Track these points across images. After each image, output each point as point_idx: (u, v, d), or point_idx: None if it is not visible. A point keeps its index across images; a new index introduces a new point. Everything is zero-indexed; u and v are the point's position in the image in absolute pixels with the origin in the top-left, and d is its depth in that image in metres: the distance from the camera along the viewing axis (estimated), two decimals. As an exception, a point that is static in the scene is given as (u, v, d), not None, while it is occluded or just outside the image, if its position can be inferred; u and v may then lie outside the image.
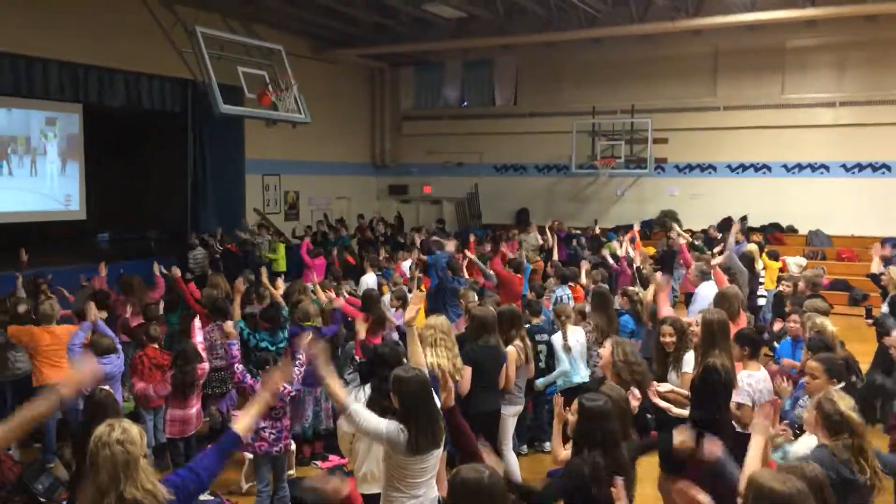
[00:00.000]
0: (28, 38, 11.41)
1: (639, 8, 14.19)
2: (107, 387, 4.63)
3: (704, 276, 7.99)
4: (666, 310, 6.16)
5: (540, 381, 6.68)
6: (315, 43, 17.13)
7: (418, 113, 20.25)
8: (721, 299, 6.44)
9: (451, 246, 11.01)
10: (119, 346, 5.95)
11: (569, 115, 17.46)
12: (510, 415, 6.03)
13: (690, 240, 12.15)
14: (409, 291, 9.26)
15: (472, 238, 12.44)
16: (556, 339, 6.66)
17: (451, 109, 19.77)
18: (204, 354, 6.70)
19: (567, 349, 6.52)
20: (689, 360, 5.16)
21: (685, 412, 4.74)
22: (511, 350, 5.95)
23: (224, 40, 11.01)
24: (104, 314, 6.93)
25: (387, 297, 8.96)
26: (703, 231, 14.96)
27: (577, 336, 6.66)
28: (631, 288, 8.40)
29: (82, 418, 4.65)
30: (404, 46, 16.85)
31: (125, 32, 12.39)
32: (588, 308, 7.25)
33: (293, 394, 5.76)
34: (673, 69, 16.86)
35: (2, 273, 11.05)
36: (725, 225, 14.95)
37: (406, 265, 11.34)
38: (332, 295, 8.13)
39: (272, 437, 5.66)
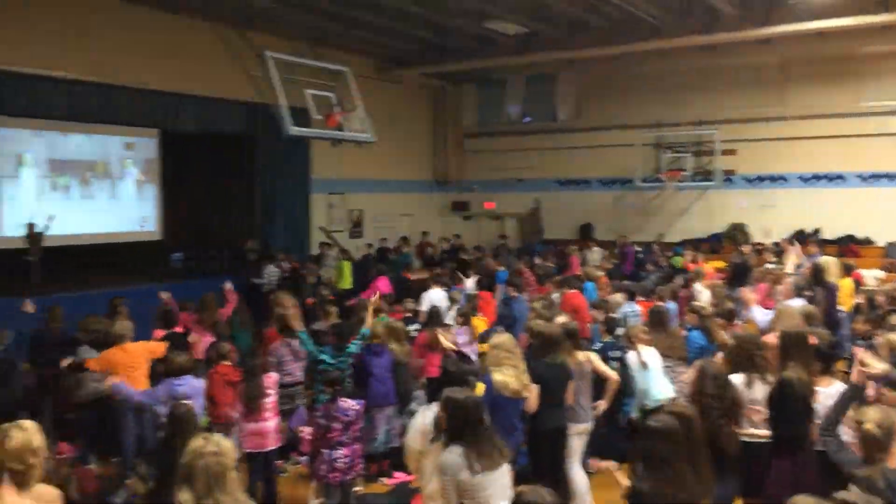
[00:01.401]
0: (108, 66, 11.95)
1: (704, 18, 13.96)
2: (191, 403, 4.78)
3: (799, 290, 7.83)
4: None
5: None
6: (378, 63, 17.42)
7: (481, 129, 20.34)
8: (780, 315, 6.35)
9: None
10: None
11: (633, 128, 17.29)
12: (576, 433, 5.96)
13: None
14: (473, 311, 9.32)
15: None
16: (631, 356, 6.58)
17: (514, 125, 19.80)
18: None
19: (643, 366, 6.43)
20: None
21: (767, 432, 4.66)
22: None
23: (292, 63, 11.28)
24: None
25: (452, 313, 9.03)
26: (775, 244, 14.58)
27: (650, 355, 6.57)
28: (697, 303, 8.26)
29: (164, 433, 4.84)
30: (466, 64, 16.98)
31: (198, 59, 12.87)
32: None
33: (357, 407, 5.80)
34: (740, 79, 16.54)
35: (82, 293, 11.59)
36: (798, 238, 14.56)
37: (470, 283, 11.40)
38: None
39: (345, 465, 5.71)
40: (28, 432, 3.20)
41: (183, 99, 13.43)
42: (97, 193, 14.67)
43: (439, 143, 20.58)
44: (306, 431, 7.31)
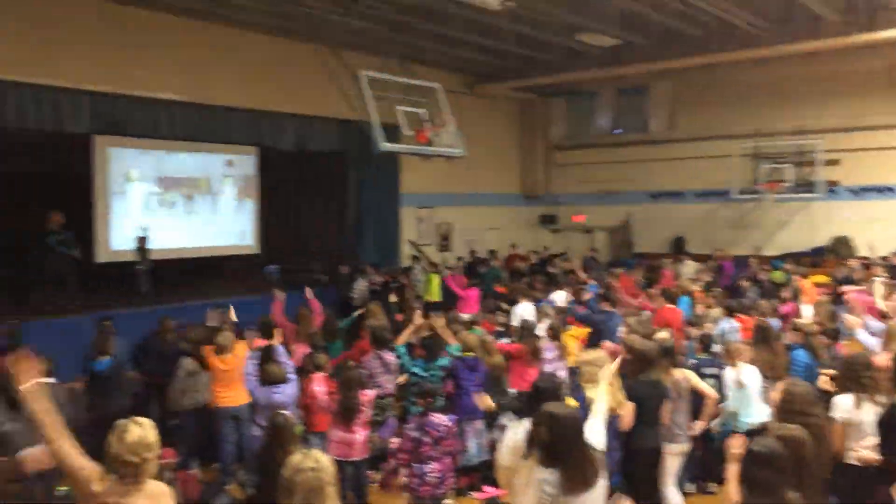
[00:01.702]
0: (211, 88, 12.55)
1: (805, 24, 13.44)
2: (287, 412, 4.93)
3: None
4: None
5: (715, 423, 6.44)
6: (468, 78, 17.55)
7: (570, 142, 20.19)
8: (893, 334, 6.07)
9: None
10: (292, 376, 6.25)
11: (729, 139, 16.78)
12: (672, 453, 5.81)
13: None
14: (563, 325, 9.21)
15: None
16: (728, 374, 6.38)
17: (604, 137, 19.55)
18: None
19: (739, 385, 6.22)
20: (838, 404, 4.84)
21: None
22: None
23: (384, 81, 11.51)
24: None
25: (542, 327, 8.96)
26: (883, 258, 13.84)
27: (750, 374, 6.34)
28: (800, 320, 7.94)
29: (263, 441, 5.01)
30: (556, 77, 16.89)
31: (295, 78, 13.33)
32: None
33: (448, 423, 5.81)
34: (844, 86, 15.82)
35: (185, 304, 12.10)
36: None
37: (560, 296, 11.28)
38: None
39: (436, 479, 5.72)
40: (144, 428, 3.39)
41: (280, 118, 13.90)
42: (200, 209, 15.35)
43: (528, 156, 20.55)
44: (396, 443, 7.41)
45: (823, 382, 6.15)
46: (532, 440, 4.03)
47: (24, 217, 12.38)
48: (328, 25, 12.41)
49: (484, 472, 7.14)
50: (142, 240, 13.14)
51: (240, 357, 7.34)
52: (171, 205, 14.88)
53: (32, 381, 3.47)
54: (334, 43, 13.31)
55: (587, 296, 9.93)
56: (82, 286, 11.89)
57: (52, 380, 6.01)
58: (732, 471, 3.69)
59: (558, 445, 3.65)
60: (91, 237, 13.44)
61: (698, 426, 6.04)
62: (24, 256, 12.30)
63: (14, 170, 13.75)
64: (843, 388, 5.04)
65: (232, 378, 7.16)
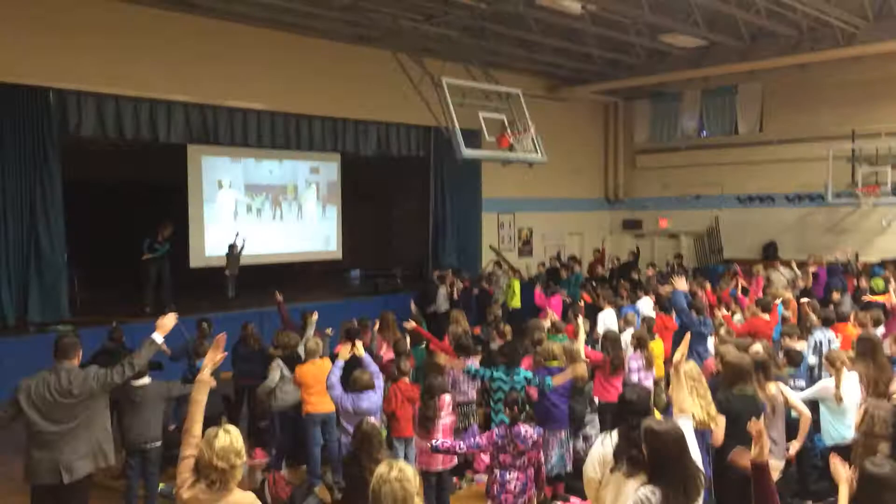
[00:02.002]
0: (296, 98, 12.89)
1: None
2: (373, 419, 4.98)
3: None
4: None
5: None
6: (549, 82, 17.44)
7: (653, 145, 19.79)
8: None
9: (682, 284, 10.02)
10: (378, 383, 6.31)
11: (823, 140, 16.11)
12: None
13: None
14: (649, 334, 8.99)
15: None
16: (826, 386, 6.09)
17: (689, 140, 19.08)
18: None
19: (838, 399, 5.93)
20: None
21: None
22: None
23: (466, 88, 11.55)
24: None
25: (626, 336, 8.79)
26: None
27: (851, 387, 6.02)
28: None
29: (351, 447, 5.08)
30: (640, 79, 16.59)
31: (377, 87, 13.53)
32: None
33: (535, 436, 5.74)
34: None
35: (271, 308, 12.39)
36: None
37: (645, 304, 11.04)
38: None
39: (518, 488, 5.69)
40: (233, 435, 3.49)
41: (363, 125, 14.15)
42: (286, 215, 15.76)
43: (610, 160, 20.26)
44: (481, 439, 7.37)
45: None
46: (621, 453, 3.95)
47: (129, 225, 13.06)
48: (409, 33, 12.56)
49: (568, 483, 7.05)
50: (233, 247, 13.58)
51: (327, 363, 7.45)
52: (258, 211, 15.33)
53: (209, 371, 3.91)
54: (415, 50, 13.42)
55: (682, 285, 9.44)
56: (175, 290, 12.38)
57: (148, 380, 6.26)
58: (844, 493, 3.51)
59: (660, 462, 3.54)
60: (185, 243, 13.95)
61: (794, 446, 5.78)
62: (123, 262, 12.94)
63: (115, 179, 14.45)
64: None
65: (319, 383, 7.27)
